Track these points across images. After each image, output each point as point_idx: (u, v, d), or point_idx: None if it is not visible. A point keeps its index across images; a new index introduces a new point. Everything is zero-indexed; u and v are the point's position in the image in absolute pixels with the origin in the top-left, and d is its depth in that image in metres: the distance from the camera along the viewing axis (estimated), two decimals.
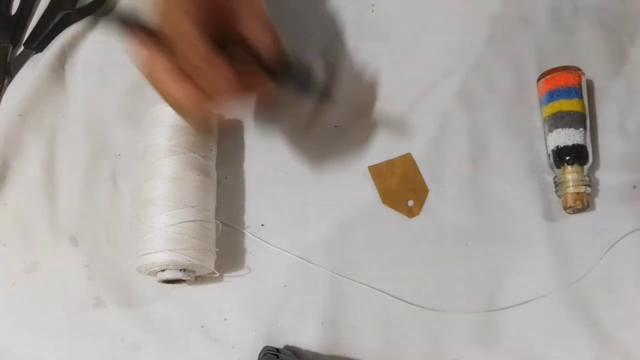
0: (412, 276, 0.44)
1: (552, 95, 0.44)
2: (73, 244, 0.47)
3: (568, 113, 0.43)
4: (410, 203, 0.45)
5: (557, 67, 0.44)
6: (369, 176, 0.47)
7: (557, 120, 0.44)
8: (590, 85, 0.46)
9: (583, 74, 0.44)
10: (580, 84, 0.44)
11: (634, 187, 0.43)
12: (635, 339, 0.40)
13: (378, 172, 0.46)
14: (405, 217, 0.45)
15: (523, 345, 0.41)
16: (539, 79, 0.46)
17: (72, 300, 0.46)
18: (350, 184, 0.47)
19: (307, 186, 0.47)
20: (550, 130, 0.44)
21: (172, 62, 0.37)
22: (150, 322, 0.45)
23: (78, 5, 0.56)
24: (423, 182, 0.46)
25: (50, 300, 0.46)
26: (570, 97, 0.44)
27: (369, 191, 0.46)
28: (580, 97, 0.44)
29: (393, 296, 0.43)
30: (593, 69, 0.46)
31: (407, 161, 0.46)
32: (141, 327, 0.44)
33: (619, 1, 0.48)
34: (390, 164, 0.47)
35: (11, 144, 0.50)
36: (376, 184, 0.46)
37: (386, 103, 0.49)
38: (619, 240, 0.42)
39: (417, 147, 0.47)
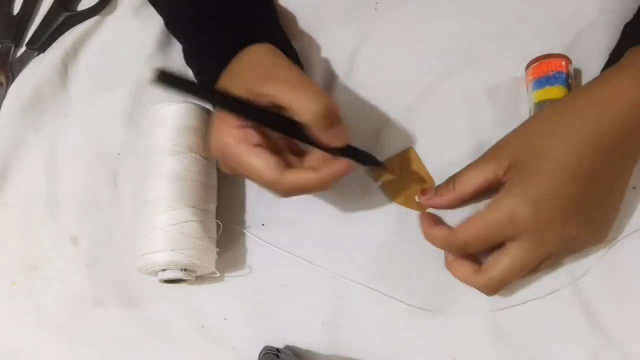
0: (412, 276, 0.44)
1: (539, 83, 0.45)
2: (73, 244, 0.47)
3: (554, 101, 0.44)
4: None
5: (543, 55, 0.45)
6: (369, 176, 0.46)
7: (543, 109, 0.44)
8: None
9: (570, 61, 0.45)
10: (567, 72, 0.44)
11: (634, 187, 0.43)
12: (635, 338, 0.40)
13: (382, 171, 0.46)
14: (405, 217, 0.45)
15: (523, 344, 0.41)
16: (527, 67, 0.46)
17: (72, 300, 0.46)
18: (351, 183, 0.46)
19: None
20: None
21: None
22: (150, 322, 0.45)
23: (81, 7, 0.56)
24: (429, 176, 0.46)
25: (50, 300, 0.46)
26: (555, 84, 0.44)
27: (369, 191, 0.46)
28: (565, 85, 0.44)
29: (393, 297, 0.43)
30: (595, 70, 0.46)
31: (411, 156, 0.46)
32: (141, 327, 0.44)
33: (622, 2, 0.48)
34: (394, 159, 0.47)
35: (12, 144, 0.50)
36: (383, 182, 0.46)
37: (387, 102, 0.49)
38: (619, 240, 0.42)
39: (417, 146, 0.47)
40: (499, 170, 0.39)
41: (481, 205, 0.44)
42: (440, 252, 0.42)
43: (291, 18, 0.53)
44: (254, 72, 0.39)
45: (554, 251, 0.38)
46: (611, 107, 0.37)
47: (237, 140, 0.37)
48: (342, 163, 0.38)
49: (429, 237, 0.41)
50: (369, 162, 0.43)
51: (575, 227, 0.37)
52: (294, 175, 0.37)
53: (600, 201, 0.39)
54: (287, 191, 0.38)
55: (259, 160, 0.37)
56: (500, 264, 0.38)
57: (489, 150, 0.41)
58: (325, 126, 0.37)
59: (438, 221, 0.42)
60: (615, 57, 0.43)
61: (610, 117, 0.37)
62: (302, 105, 0.36)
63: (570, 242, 0.38)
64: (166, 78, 0.32)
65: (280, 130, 0.38)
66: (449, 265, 0.41)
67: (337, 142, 0.38)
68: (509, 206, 0.36)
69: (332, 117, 0.37)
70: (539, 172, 0.37)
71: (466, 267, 0.39)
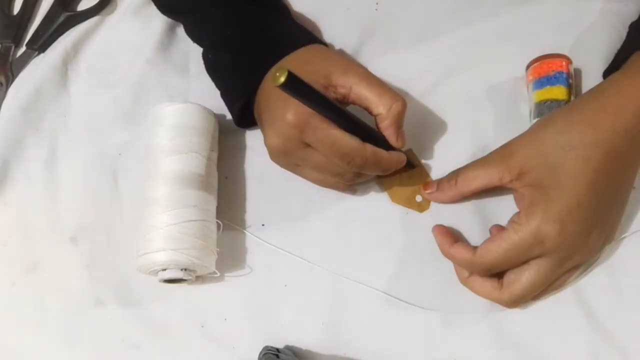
0: (412, 276, 0.44)
1: (540, 83, 0.45)
2: (73, 244, 0.47)
3: (554, 101, 0.44)
4: (419, 198, 0.45)
5: (543, 55, 0.45)
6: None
7: (543, 109, 0.44)
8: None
9: (570, 61, 0.45)
10: (568, 72, 0.45)
11: (634, 188, 0.43)
12: (635, 339, 0.40)
13: None
14: (405, 217, 0.45)
15: (523, 344, 0.41)
16: (527, 67, 0.46)
17: (72, 300, 0.46)
18: None
19: (307, 186, 0.46)
20: (535, 117, 0.45)
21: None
22: (150, 322, 0.45)
23: (81, 7, 0.56)
24: (428, 176, 0.46)
25: (50, 300, 0.46)
26: (556, 84, 0.44)
27: (369, 190, 0.46)
28: (566, 85, 0.44)
29: (393, 296, 0.43)
30: (596, 71, 0.46)
31: (410, 157, 0.46)
32: (141, 327, 0.44)
33: (622, 3, 0.48)
34: None
35: (12, 144, 0.50)
36: (383, 183, 0.46)
37: None
38: (619, 240, 0.42)
39: (417, 147, 0.47)
40: (505, 176, 0.39)
41: (483, 202, 0.44)
42: (440, 252, 0.42)
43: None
44: (328, 63, 0.41)
45: (579, 261, 0.39)
46: (623, 116, 0.37)
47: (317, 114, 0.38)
48: (402, 155, 0.43)
49: (449, 257, 0.41)
50: (410, 164, 0.45)
51: (597, 234, 0.38)
52: (372, 147, 0.40)
53: (614, 205, 0.39)
54: (366, 160, 0.39)
55: (342, 131, 0.38)
56: (524, 279, 0.38)
57: (494, 152, 0.41)
58: (399, 123, 0.41)
59: (453, 235, 0.42)
60: (620, 58, 0.43)
61: (622, 125, 0.37)
62: (383, 100, 0.40)
63: (593, 250, 0.39)
64: (295, 82, 0.32)
65: (358, 132, 0.40)
66: (464, 281, 0.41)
67: (402, 140, 0.42)
68: (534, 227, 0.36)
69: (403, 117, 0.41)
70: (558, 187, 0.37)
71: (486, 283, 0.39)
